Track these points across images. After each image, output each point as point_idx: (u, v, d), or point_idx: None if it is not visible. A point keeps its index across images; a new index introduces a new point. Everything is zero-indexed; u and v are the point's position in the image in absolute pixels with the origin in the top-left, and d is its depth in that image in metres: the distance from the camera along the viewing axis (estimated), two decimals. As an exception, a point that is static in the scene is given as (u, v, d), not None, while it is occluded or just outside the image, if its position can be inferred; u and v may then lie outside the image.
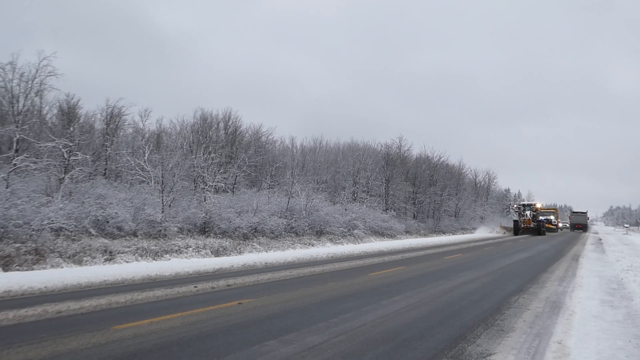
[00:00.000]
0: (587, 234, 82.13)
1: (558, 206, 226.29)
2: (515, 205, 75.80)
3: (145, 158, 29.42)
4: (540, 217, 74.96)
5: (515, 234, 64.91)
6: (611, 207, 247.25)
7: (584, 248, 36.08)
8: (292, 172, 42.59)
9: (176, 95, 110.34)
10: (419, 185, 62.18)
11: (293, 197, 34.46)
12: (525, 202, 74.59)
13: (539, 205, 72.06)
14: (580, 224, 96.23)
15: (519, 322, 9.53)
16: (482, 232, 67.58)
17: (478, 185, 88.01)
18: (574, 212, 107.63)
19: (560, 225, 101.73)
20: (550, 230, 79.22)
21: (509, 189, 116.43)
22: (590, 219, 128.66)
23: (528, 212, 68.51)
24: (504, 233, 67.12)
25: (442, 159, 69.86)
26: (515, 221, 68.34)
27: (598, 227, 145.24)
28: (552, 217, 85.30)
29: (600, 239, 54.38)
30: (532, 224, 66.59)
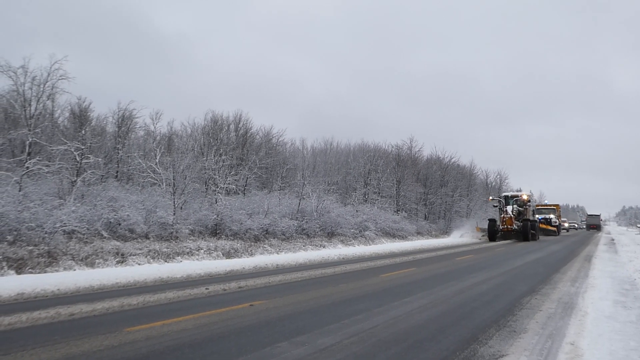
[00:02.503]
0: (600, 234, 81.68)
1: (570, 207, 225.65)
2: (490, 198, 55.65)
3: (157, 160, 29.52)
4: (537, 216, 60.76)
5: (491, 239, 45.64)
6: (624, 207, 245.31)
7: (596, 248, 35.88)
8: (303, 174, 42.59)
9: (177, 97, 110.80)
10: (430, 186, 62.04)
11: (304, 198, 34.47)
12: (510, 194, 54.79)
13: (525, 197, 51.74)
14: (594, 225, 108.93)
15: (531, 323, 9.49)
16: (455, 237, 50.84)
17: (489, 185, 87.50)
18: (589, 215, 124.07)
19: (566, 225, 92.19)
20: (548, 232, 63.25)
21: (520, 190, 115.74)
22: (603, 219, 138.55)
23: (510, 208, 48.25)
24: (482, 237, 48.02)
25: (453, 160, 69.67)
26: (490, 221, 47.28)
27: (611, 227, 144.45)
28: (552, 216, 69.03)
29: (613, 239, 54.00)
30: (514, 225, 46.56)
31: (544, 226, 62.12)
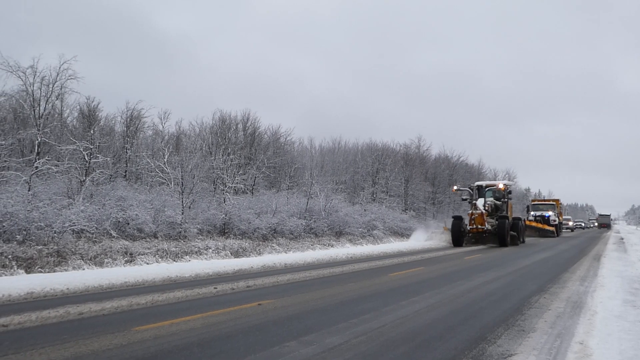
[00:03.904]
0: (609, 232, 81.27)
1: (579, 205, 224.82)
2: (455, 188, 41.51)
3: (165, 160, 29.59)
4: (532, 212, 55.56)
5: (456, 243, 34.16)
6: (633, 205, 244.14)
7: (605, 247, 35.71)
8: (310, 173, 42.63)
9: (181, 96, 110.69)
10: (439, 185, 62.00)
11: (312, 197, 34.49)
12: (483, 183, 41.10)
13: (502, 186, 39.27)
14: (605, 223, 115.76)
15: (540, 322, 9.47)
16: (418, 240, 38.71)
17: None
18: (600, 215, 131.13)
19: (570, 224, 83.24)
20: (545, 233, 52.08)
21: (529, 189, 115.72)
22: (613, 219, 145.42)
23: (481, 201, 35.72)
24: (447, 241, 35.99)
25: (461, 159, 69.58)
26: (455, 219, 35.23)
27: (620, 226, 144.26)
28: (550, 213, 56.76)
29: (622, 238, 53.62)
30: (486, 224, 34.29)
31: (540, 225, 52.74)
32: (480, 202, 35.51)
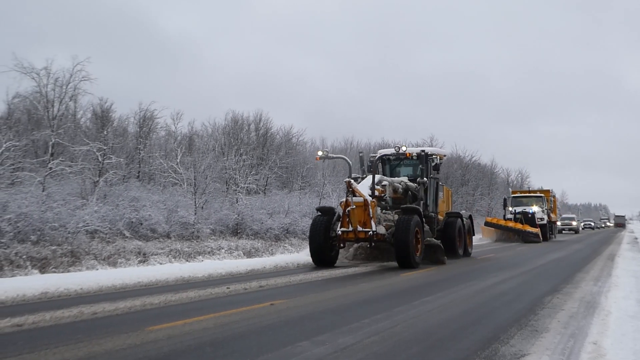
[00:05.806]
0: (623, 232, 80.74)
1: (592, 205, 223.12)
2: (319, 154, 23.00)
3: (178, 160, 29.77)
4: (510, 208, 41.24)
5: (319, 260, 17.78)
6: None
7: (619, 247, 35.46)
8: (323, 173, 42.66)
9: (187, 97, 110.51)
10: (451, 185, 61.58)
11: (324, 198, 34.50)
12: (387, 152, 22.26)
13: (405, 149, 19.32)
14: (620, 223, 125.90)
15: (553, 322, 9.40)
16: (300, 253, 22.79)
17: (511, 184, 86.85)
18: (616, 215, 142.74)
19: (575, 224, 69.13)
20: (527, 237, 37.63)
21: (542, 188, 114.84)
22: (628, 219, 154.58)
23: (366, 182, 18.51)
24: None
25: (473, 159, 69.29)
26: (321, 214, 18.40)
27: (634, 226, 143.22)
28: (534, 209, 41.05)
29: (637, 238, 53.23)
30: (373, 226, 16.69)
31: (518, 226, 38.55)
32: (364, 183, 18.84)
